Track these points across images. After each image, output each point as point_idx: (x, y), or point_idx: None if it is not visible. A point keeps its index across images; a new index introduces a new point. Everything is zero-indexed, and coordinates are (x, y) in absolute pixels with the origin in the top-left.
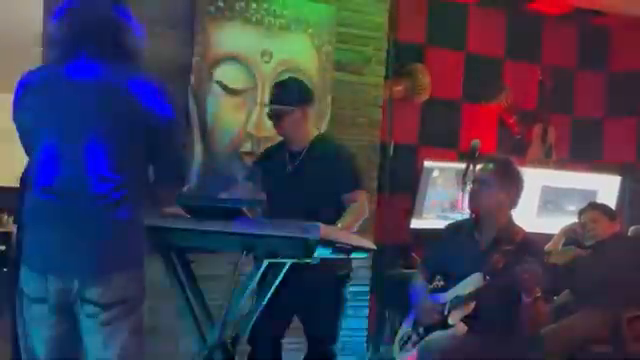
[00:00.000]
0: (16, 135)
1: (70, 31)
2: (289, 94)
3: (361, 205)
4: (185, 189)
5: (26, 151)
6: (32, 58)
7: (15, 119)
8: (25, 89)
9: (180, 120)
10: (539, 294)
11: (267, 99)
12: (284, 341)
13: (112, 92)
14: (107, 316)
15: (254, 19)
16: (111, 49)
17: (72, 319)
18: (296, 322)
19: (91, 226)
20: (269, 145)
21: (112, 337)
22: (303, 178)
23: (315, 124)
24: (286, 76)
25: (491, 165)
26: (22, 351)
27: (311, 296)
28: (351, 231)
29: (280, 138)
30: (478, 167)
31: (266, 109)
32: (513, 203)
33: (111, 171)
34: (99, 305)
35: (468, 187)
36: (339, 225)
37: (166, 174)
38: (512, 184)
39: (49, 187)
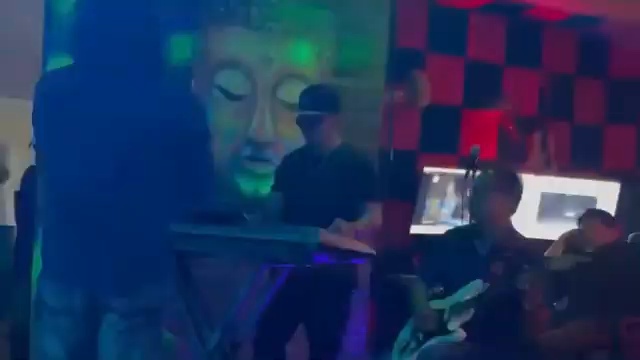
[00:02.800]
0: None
1: (97, 34)
2: (324, 100)
3: (377, 217)
4: None
5: (44, 158)
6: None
7: (34, 124)
8: (44, 96)
9: (210, 133)
10: (539, 301)
11: (266, 104)
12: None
13: (138, 103)
14: (127, 325)
15: (255, 24)
16: (141, 57)
17: (93, 329)
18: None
19: (113, 238)
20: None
21: (130, 346)
22: (325, 182)
23: None
24: (287, 81)
25: (491, 171)
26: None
27: (316, 302)
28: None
29: (280, 141)
30: (478, 173)
31: (296, 114)
32: (513, 209)
33: (134, 183)
34: (120, 313)
35: (468, 193)
36: (358, 222)
37: (192, 188)
38: (512, 190)
39: (70, 199)
